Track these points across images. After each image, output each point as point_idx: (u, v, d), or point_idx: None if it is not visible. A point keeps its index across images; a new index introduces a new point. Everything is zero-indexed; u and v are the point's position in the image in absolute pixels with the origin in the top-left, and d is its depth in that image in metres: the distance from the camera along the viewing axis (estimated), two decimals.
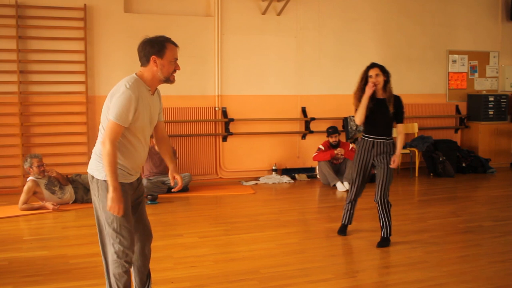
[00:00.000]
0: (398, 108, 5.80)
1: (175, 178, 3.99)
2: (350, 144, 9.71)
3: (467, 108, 11.69)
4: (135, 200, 3.88)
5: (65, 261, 5.29)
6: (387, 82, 5.78)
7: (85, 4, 8.76)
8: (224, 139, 9.78)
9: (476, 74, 11.87)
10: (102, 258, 3.87)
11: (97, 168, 3.68)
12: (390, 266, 5.24)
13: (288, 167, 10.20)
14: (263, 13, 9.86)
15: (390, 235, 5.85)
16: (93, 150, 3.80)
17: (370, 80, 5.70)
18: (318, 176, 9.71)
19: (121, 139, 3.58)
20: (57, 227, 6.68)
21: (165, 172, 8.71)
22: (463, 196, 8.77)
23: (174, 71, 3.77)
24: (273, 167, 10.00)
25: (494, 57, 12.03)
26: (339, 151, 9.25)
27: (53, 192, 7.60)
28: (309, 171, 10.17)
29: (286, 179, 9.76)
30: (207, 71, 9.64)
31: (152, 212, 7.43)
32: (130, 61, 9.05)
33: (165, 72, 3.69)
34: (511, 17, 11.91)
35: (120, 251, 3.68)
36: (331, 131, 9.48)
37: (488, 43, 11.96)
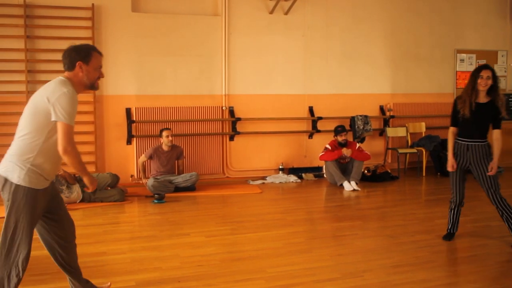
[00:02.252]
0: (499, 112, 5.73)
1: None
2: (357, 144, 9.70)
3: None
4: (53, 200, 3.82)
5: None
6: (494, 87, 5.69)
7: (93, 4, 8.79)
8: (231, 138, 9.79)
9: None
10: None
11: (12, 169, 3.56)
12: (397, 265, 5.22)
13: (295, 166, 10.20)
14: (271, 12, 9.86)
15: None
16: (8, 152, 3.64)
17: (480, 81, 5.63)
18: (325, 176, 9.70)
19: (49, 141, 3.57)
20: None
21: (172, 171, 8.74)
22: (470, 196, 8.69)
23: (98, 78, 3.79)
24: (280, 166, 9.99)
25: (502, 56, 11.98)
26: (347, 152, 9.23)
27: (60, 191, 7.61)
28: (316, 171, 10.16)
29: (293, 178, 9.75)
30: (214, 71, 9.65)
31: (159, 211, 7.45)
32: (137, 61, 9.13)
33: (90, 78, 3.74)
34: None
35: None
36: (340, 129, 9.46)
37: (497, 42, 11.91)
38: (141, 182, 8.74)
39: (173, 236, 6.16)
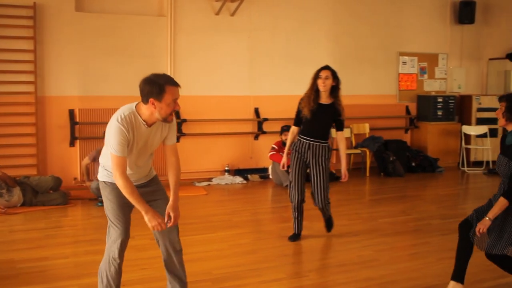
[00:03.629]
0: (340, 115, 5.88)
1: (168, 215, 4.00)
2: None
3: (417, 108, 11.92)
4: (149, 197, 4.01)
5: (12, 265, 5.17)
6: (335, 88, 5.79)
7: (34, 2, 8.58)
8: (177, 139, 9.70)
9: (426, 76, 12.11)
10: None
11: (101, 174, 4.06)
12: (341, 265, 5.29)
13: (240, 167, 10.21)
14: (217, 14, 9.84)
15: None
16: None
17: (319, 81, 5.73)
18: (270, 176, 9.75)
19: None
20: (4, 231, 6.50)
21: None
22: (412, 195, 8.94)
23: (173, 112, 3.78)
24: (226, 168, 9.99)
25: (442, 59, 12.29)
26: None
27: (0, 195, 7.42)
28: (262, 172, 10.20)
29: (238, 179, 9.77)
30: (160, 71, 9.48)
31: (103, 215, 7.25)
32: (81, 61, 8.97)
33: (162, 114, 3.72)
34: (459, 21, 12.20)
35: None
36: (285, 128, 9.54)
37: (437, 45, 12.22)
38: (84, 185, 8.57)
39: None
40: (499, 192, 4.31)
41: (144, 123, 3.75)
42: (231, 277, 4.88)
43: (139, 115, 3.75)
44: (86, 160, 8.56)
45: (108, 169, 3.92)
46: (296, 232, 6.12)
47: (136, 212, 3.87)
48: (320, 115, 5.76)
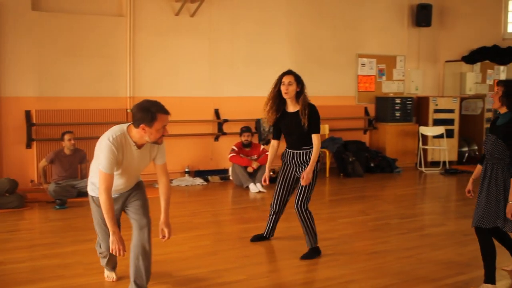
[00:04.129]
0: (311, 118, 5.41)
1: (163, 231, 4.36)
2: (262, 146, 9.81)
3: (375, 110, 12.07)
4: (128, 199, 4.44)
5: None
6: (300, 93, 5.42)
7: None
8: None
9: (384, 77, 12.27)
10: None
11: (89, 188, 4.43)
12: (302, 265, 5.31)
13: (201, 169, 10.17)
14: (177, 14, 9.78)
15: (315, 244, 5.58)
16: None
17: (282, 87, 5.39)
18: (231, 178, 9.73)
19: None
20: None
21: (74, 176, 8.47)
22: (371, 195, 9.04)
23: (162, 137, 4.09)
24: (186, 169, 9.94)
25: (400, 61, 12.48)
26: (255, 165, 9.32)
27: None
28: (222, 173, 10.18)
29: (199, 181, 9.73)
30: (119, 72, 9.45)
31: (61, 217, 7.22)
32: (38, 61, 8.82)
33: (152, 138, 4.05)
34: (417, 23, 12.41)
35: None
36: (244, 129, 9.56)
37: (395, 47, 12.40)
38: (41, 187, 8.42)
39: (76, 242, 5.99)
40: (496, 174, 4.60)
41: (134, 144, 4.07)
42: (192, 279, 4.86)
43: (130, 137, 4.05)
44: (43, 162, 8.41)
45: (96, 185, 4.18)
46: (264, 235, 6.08)
47: (90, 219, 3.80)
48: (289, 125, 5.44)
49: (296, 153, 5.51)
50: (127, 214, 4.47)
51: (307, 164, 5.43)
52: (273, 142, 5.76)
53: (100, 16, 9.28)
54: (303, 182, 5.37)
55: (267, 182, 5.74)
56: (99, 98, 9.26)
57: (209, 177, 10.00)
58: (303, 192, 5.46)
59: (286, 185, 5.71)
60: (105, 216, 3.99)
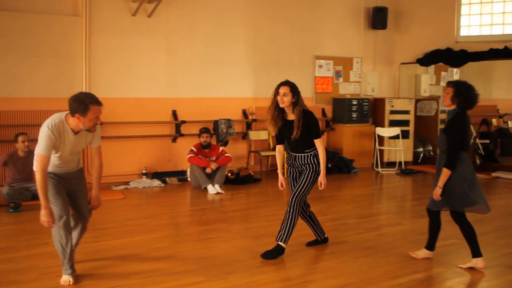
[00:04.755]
0: (309, 125, 5.52)
1: (92, 204, 5.13)
2: (221, 147, 9.79)
3: (332, 111, 12.18)
4: (71, 188, 4.93)
5: None
6: (295, 103, 5.50)
7: None
8: None
9: (341, 79, 12.39)
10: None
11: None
12: (260, 266, 5.32)
13: (158, 170, 10.09)
14: (133, 15, 9.68)
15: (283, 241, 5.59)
16: None
17: (278, 98, 5.53)
18: (189, 179, 9.68)
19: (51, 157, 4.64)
20: None
21: (29, 178, 8.28)
22: (329, 196, 9.10)
23: (95, 125, 4.64)
24: (144, 171, 9.85)
25: (357, 62, 12.62)
26: (214, 166, 9.29)
27: None
28: (180, 174, 10.12)
29: (156, 182, 9.65)
30: (74, 73, 9.29)
31: (15, 221, 7.07)
32: None
33: (86, 126, 4.60)
34: (373, 26, 12.58)
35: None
36: (203, 130, 9.52)
37: (352, 49, 12.54)
38: None
39: (30, 246, 5.88)
40: (439, 165, 5.23)
41: (71, 130, 4.64)
42: (150, 282, 4.81)
43: (68, 124, 4.62)
44: None
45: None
46: (319, 239, 6.02)
47: None
48: (290, 132, 5.54)
49: (299, 156, 5.64)
50: (70, 205, 4.95)
51: (309, 165, 5.60)
52: (279, 147, 5.84)
53: (55, 15, 9.11)
54: (321, 187, 5.55)
55: (284, 185, 5.82)
56: (54, 99, 9.08)
57: (167, 179, 9.93)
58: (301, 187, 5.60)
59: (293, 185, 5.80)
60: (40, 192, 4.52)
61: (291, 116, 5.59)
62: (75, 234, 5.05)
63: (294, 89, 5.53)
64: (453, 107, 5.19)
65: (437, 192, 5.19)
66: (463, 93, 5.12)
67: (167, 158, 10.25)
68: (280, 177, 5.80)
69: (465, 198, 5.15)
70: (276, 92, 5.57)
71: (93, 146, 5.00)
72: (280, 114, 5.61)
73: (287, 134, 5.60)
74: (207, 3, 10.48)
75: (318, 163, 5.58)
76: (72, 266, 4.80)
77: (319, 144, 5.58)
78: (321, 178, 5.56)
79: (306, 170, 5.61)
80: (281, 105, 5.52)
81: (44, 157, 4.52)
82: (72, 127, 4.63)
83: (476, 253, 5.24)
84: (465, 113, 5.17)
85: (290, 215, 5.57)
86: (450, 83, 5.27)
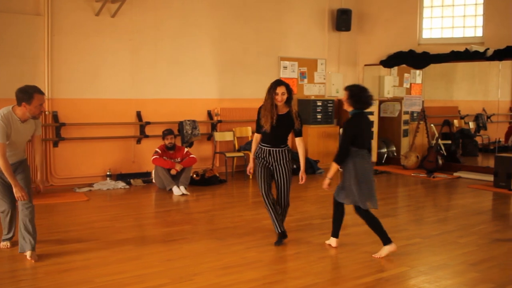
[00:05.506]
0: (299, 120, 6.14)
1: (38, 186, 5.84)
2: (186, 149, 9.75)
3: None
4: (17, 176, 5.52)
5: None
6: (290, 98, 6.03)
7: None
8: (55, 144, 9.35)
9: (305, 80, 12.46)
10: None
11: None
12: (226, 267, 5.31)
13: (123, 172, 9.99)
14: (97, 15, 9.57)
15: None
16: None
17: (277, 97, 5.91)
18: (154, 181, 9.62)
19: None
20: None
21: None
22: (294, 196, 9.09)
23: (40, 112, 5.42)
24: (108, 173, 9.74)
25: (321, 64, 12.71)
26: (178, 167, 9.25)
27: None
28: (145, 176, 10.05)
29: (121, 184, 9.56)
30: (36, 73, 9.13)
31: None
32: None
33: (31, 113, 5.37)
34: (337, 28, 12.69)
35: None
36: (166, 132, 9.47)
37: (316, 51, 12.63)
38: None
39: None
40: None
41: (19, 119, 5.37)
42: (114, 285, 4.77)
43: (15, 114, 5.35)
44: None
45: None
46: (278, 231, 6.10)
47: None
48: (280, 125, 6.00)
49: (273, 150, 6.06)
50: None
51: (283, 160, 6.08)
52: (257, 136, 6.22)
53: (16, 14, 8.95)
54: (302, 181, 6.12)
55: (251, 171, 6.31)
56: (14, 100, 8.89)
57: (132, 180, 9.85)
58: (286, 191, 6.17)
59: (266, 178, 6.09)
60: (6, 174, 5.30)
61: (282, 110, 6.04)
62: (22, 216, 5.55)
63: (288, 88, 6.03)
64: (350, 108, 5.76)
65: (325, 182, 5.87)
66: (355, 95, 5.71)
67: (131, 160, 10.16)
68: (252, 163, 6.27)
69: (350, 192, 5.71)
70: (274, 91, 5.95)
71: (37, 134, 5.74)
72: (274, 110, 5.98)
73: (279, 126, 5.98)
74: (172, 4, 10.43)
75: (291, 158, 6.13)
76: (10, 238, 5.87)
77: (301, 143, 6.17)
78: (302, 173, 6.15)
79: (283, 166, 6.07)
80: (279, 103, 5.96)
81: (2, 144, 5.22)
82: (19, 116, 5.37)
83: (386, 241, 5.64)
84: (361, 113, 5.77)
85: (287, 211, 6.28)
86: (345, 88, 5.89)
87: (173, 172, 9.25)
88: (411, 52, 12.35)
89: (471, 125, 13.52)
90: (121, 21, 9.86)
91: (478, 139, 13.48)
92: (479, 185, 10.15)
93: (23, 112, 5.34)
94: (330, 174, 5.81)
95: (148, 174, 10.05)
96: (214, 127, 11.06)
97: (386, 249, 5.64)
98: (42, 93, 5.39)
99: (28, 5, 9.12)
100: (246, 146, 10.88)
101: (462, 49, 11.45)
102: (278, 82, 6.02)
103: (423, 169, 11.48)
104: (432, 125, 12.48)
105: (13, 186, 5.33)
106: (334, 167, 5.77)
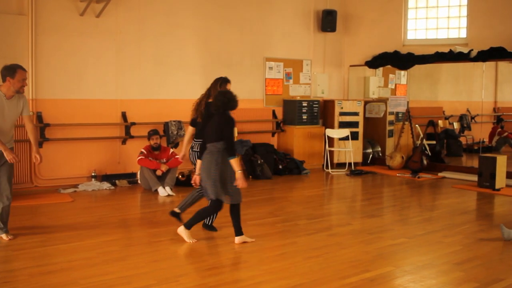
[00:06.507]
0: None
1: (36, 158, 6.25)
2: (171, 149, 9.73)
3: (283, 112, 12.25)
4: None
5: None
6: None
7: None
8: (40, 145, 9.27)
9: (291, 81, 12.48)
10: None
11: None
12: (212, 268, 5.31)
13: (108, 173, 9.94)
14: (81, 14, 9.51)
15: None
16: None
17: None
18: (139, 181, 9.58)
19: None
20: None
21: None
22: (280, 197, 9.15)
23: (23, 86, 5.94)
24: (93, 174, 9.68)
25: (307, 65, 12.73)
26: (164, 168, 9.22)
27: None
28: (130, 177, 10.00)
29: (106, 185, 9.51)
30: None
31: None
32: None
33: (15, 87, 5.89)
34: (322, 28, 12.72)
35: None
36: (152, 133, 9.44)
37: (302, 51, 12.65)
38: None
39: None
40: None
41: (4, 95, 5.87)
42: (99, 286, 4.74)
43: (1, 91, 5.85)
44: None
45: None
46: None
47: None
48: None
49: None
50: None
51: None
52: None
53: None
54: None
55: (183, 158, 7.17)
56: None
57: (117, 181, 9.80)
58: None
59: None
60: None
61: None
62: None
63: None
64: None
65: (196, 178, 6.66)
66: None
67: (116, 161, 10.11)
68: (185, 149, 7.17)
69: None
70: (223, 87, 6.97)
71: (25, 114, 6.10)
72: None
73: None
74: (156, 4, 10.39)
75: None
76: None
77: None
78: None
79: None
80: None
81: None
82: (4, 92, 5.87)
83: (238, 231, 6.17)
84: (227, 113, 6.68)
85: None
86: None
87: (158, 173, 9.22)
88: (396, 53, 12.41)
89: (456, 125, 13.62)
90: (106, 21, 9.81)
91: (462, 139, 13.59)
92: (463, 185, 10.23)
93: (8, 87, 5.85)
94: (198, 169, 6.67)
95: (133, 175, 10.01)
96: None
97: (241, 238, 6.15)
98: (24, 70, 5.96)
99: (11, 5, 9.04)
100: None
101: (446, 50, 11.52)
102: (228, 80, 7.18)
103: (408, 170, 11.54)
104: (417, 125, 12.58)
105: (2, 150, 5.81)
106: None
